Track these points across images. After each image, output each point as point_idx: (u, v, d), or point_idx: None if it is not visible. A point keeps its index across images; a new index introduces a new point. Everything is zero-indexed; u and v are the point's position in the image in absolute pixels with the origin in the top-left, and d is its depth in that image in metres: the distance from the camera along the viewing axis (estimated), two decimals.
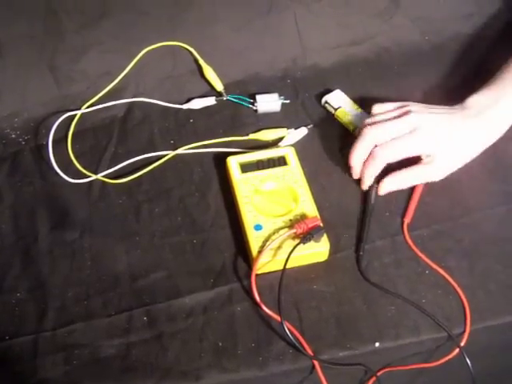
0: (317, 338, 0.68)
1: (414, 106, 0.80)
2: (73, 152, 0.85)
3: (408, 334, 0.69)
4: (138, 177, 0.83)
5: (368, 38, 0.99)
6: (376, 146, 0.78)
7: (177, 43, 0.94)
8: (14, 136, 0.89)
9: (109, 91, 0.92)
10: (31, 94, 0.91)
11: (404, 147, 0.77)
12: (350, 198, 0.81)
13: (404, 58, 0.98)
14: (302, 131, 0.87)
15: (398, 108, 0.81)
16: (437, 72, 0.96)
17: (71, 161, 0.84)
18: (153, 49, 0.94)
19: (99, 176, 0.82)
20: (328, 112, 0.90)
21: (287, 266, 0.70)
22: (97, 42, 0.93)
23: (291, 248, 0.71)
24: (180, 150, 0.86)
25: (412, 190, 0.81)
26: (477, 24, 1.01)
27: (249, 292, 0.71)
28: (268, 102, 0.90)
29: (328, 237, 0.73)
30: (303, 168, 0.80)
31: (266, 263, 0.72)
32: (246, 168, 0.80)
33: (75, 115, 0.89)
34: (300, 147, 0.84)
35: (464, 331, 0.69)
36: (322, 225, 0.73)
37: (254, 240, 0.72)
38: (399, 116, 0.79)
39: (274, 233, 0.73)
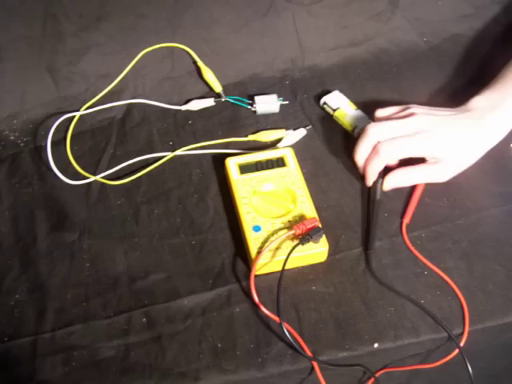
0: (316, 339, 0.68)
1: (416, 109, 0.80)
2: (72, 153, 0.86)
3: (407, 334, 0.69)
4: (137, 178, 0.83)
5: (366, 39, 1.00)
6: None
7: (175, 45, 0.95)
8: (12, 138, 0.89)
9: (107, 93, 0.92)
10: (30, 96, 0.91)
11: (407, 146, 0.78)
12: (349, 198, 0.81)
13: (402, 58, 0.98)
14: (301, 132, 0.88)
15: (401, 111, 0.81)
16: (435, 73, 0.96)
17: (70, 162, 0.84)
18: (151, 50, 0.94)
19: (98, 177, 0.82)
20: (327, 113, 0.90)
21: (286, 267, 0.70)
22: (95, 44, 0.93)
23: (290, 249, 0.71)
24: (179, 152, 0.86)
25: (411, 191, 0.81)
26: (474, 25, 1.01)
27: (248, 293, 0.71)
28: (267, 103, 0.90)
29: (327, 238, 0.73)
30: (302, 169, 0.80)
31: (265, 264, 0.72)
32: (244, 169, 0.80)
33: (74, 117, 0.89)
34: (299, 148, 0.84)
35: (463, 332, 0.69)
36: (320, 226, 0.73)
37: (253, 241, 0.72)
38: (402, 118, 0.79)
39: (272, 234, 0.73)
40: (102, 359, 0.67)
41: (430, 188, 0.81)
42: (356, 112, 0.88)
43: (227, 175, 0.80)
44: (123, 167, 0.84)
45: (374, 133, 0.79)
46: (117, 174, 0.84)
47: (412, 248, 0.75)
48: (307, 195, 0.77)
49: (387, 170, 0.80)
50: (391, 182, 0.79)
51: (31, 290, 0.73)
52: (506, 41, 0.98)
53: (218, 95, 0.93)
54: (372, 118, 0.87)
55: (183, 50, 0.95)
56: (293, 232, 0.72)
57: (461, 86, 0.94)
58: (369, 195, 0.80)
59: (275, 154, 0.82)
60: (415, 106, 0.82)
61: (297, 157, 0.81)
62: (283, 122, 0.90)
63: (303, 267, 0.74)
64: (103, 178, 0.83)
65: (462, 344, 0.68)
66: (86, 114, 0.90)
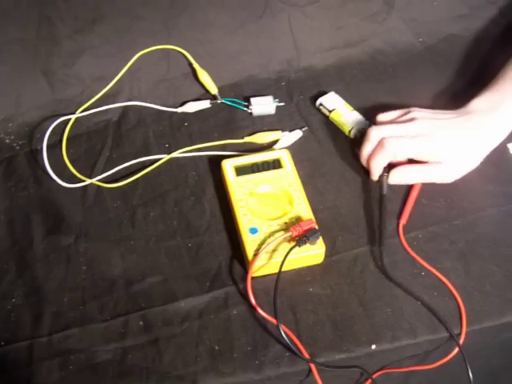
0: (313, 341, 0.68)
1: (417, 113, 0.80)
2: (67, 156, 0.85)
3: (404, 336, 0.69)
4: (133, 181, 0.83)
5: (362, 39, 1.00)
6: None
7: (171, 47, 0.95)
8: (8, 141, 0.88)
9: (103, 95, 0.92)
10: (25, 99, 0.91)
11: (408, 147, 0.78)
12: (346, 200, 0.80)
13: (398, 59, 0.98)
14: (297, 134, 0.87)
15: (402, 115, 0.81)
16: (431, 73, 0.96)
17: (66, 165, 0.84)
18: (147, 52, 0.94)
19: (94, 180, 0.82)
20: (323, 114, 0.90)
21: (283, 269, 0.70)
22: (91, 47, 0.93)
23: (287, 251, 0.71)
24: (175, 154, 0.85)
25: (407, 191, 0.81)
26: (470, 25, 1.01)
27: (245, 295, 0.71)
28: (263, 105, 0.90)
29: (323, 239, 0.73)
30: (298, 171, 0.80)
31: (262, 266, 0.71)
32: (240, 171, 0.80)
33: (70, 119, 0.89)
34: (295, 150, 0.84)
35: (460, 332, 0.69)
36: (317, 227, 0.73)
37: (250, 243, 0.72)
38: (404, 123, 0.79)
39: (269, 236, 0.73)
40: (99, 363, 0.67)
41: (426, 189, 0.81)
42: (352, 113, 0.88)
43: (223, 177, 0.80)
44: (119, 170, 0.84)
45: (375, 136, 0.79)
46: (113, 177, 0.84)
47: (409, 249, 0.75)
48: (303, 197, 0.77)
49: (391, 167, 0.80)
50: (396, 177, 0.80)
51: (28, 293, 0.73)
52: (503, 41, 0.99)
53: (213, 97, 0.93)
54: (368, 118, 0.87)
55: (179, 52, 0.95)
56: (289, 234, 0.72)
57: (457, 86, 0.94)
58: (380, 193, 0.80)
59: (271, 155, 0.81)
60: (416, 109, 0.82)
61: (293, 158, 0.81)
62: (279, 124, 0.89)
63: (300, 269, 0.74)
64: (99, 180, 0.82)
65: (458, 348, 0.68)
66: (82, 116, 0.90)
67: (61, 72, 0.92)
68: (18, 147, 0.88)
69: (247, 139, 0.87)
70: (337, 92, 0.91)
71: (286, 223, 0.74)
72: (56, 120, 0.88)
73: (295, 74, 0.96)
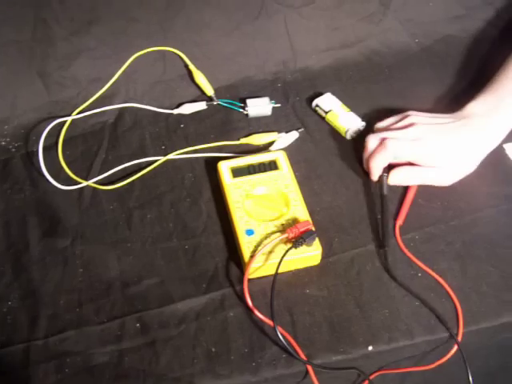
0: (310, 343, 0.68)
1: (415, 117, 0.81)
2: (63, 158, 0.85)
3: (401, 337, 0.69)
4: (130, 183, 0.83)
5: (358, 40, 1.00)
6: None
7: (166, 48, 0.94)
8: (4, 143, 0.88)
9: (99, 97, 0.92)
10: (21, 101, 0.91)
11: (410, 148, 0.78)
12: (342, 201, 0.80)
13: (394, 60, 0.98)
14: (293, 135, 0.87)
15: (399, 120, 0.81)
16: (427, 74, 0.96)
17: (62, 167, 0.84)
18: (143, 54, 0.94)
19: (90, 182, 0.82)
20: (319, 115, 0.90)
21: (280, 271, 0.70)
22: (86, 49, 0.93)
23: (283, 252, 0.70)
24: (171, 156, 0.85)
25: (404, 192, 0.81)
26: (466, 26, 1.02)
27: (241, 297, 0.71)
28: (259, 106, 0.90)
29: (320, 240, 0.73)
30: (294, 172, 0.80)
31: (259, 268, 0.71)
32: (237, 173, 0.80)
33: (66, 121, 0.89)
34: (291, 151, 0.83)
35: (457, 333, 0.69)
36: (313, 229, 0.73)
37: (246, 245, 0.72)
38: (402, 128, 0.79)
39: (265, 237, 0.73)
40: (96, 365, 0.67)
41: (423, 189, 0.81)
42: (348, 114, 0.88)
43: (220, 179, 0.80)
44: (115, 172, 0.84)
45: (373, 144, 0.80)
46: (109, 179, 0.83)
47: (405, 250, 0.74)
48: (300, 198, 0.77)
49: (390, 168, 0.80)
50: (395, 178, 0.80)
51: (24, 296, 0.72)
52: (500, 43, 0.99)
53: (209, 98, 0.93)
54: (364, 119, 0.87)
55: (175, 53, 0.95)
56: (286, 235, 0.72)
57: (453, 87, 0.94)
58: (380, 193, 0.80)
59: (268, 157, 0.81)
60: (414, 113, 0.82)
61: (289, 160, 0.81)
62: (275, 125, 0.89)
63: (297, 270, 0.74)
64: (95, 182, 0.82)
65: (456, 345, 0.68)
66: (78, 118, 0.90)
67: (57, 74, 0.92)
68: (13, 149, 0.88)
69: (243, 141, 0.87)
70: (333, 93, 0.91)
71: (282, 225, 0.74)
72: (52, 122, 0.87)
73: (291, 75, 0.96)
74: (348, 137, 0.87)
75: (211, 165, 0.83)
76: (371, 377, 0.71)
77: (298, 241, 0.71)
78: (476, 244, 0.76)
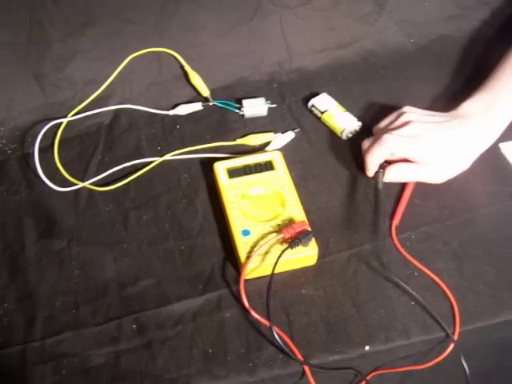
0: (307, 343, 0.68)
1: (410, 114, 0.81)
2: (59, 160, 0.85)
3: (398, 336, 0.69)
4: (126, 184, 0.83)
5: (354, 41, 1.00)
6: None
7: (162, 49, 0.94)
8: None
9: (95, 98, 0.92)
10: (17, 103, 0.91)
11: (407, 145, 0.78)
12: (338, 201, 0.80)
13: (390, 60, 0.99)
14: (289, 135, 0.87)
15: (395, 119, 0.81)
16: (422, 74, 0.96)
17: (58, 169, 0.84)
18: (138, 55, 0.94)
19: (86, 184, 0.82)
20: (315, 115, 0.90)
21: (276, 271, 0.70)
22: (82, 50, 0.93)
23: (279, 253, 0.70)
24: (167, 157, 0.85)
25: (400, 192, 0.81)
26: (462, 26, 1.02)
27: (238, 298, 0.71)
28: (255, 107, 0.90)
29: (316, 241, 0.73)
30: (290, 172, 0.80)
31: (255, 268, 0.71)
32: (233, 173, 0.80)
33: (61, 123, 0.89)
34: (287, 151, 0.83)
35: (454, 332, 0.69)
36: (309, 229, 0.73)
37: (242, 245, 0.72)
38: (398, 128, 0.79)
39: (262, 238, 0.73)
40: (93, 367, 0.67)
41: (419, 189, 0.81)
42: (344, 114, 0.88)
43: (216, 180, 0.80)
44: (111, 173, 0.84)
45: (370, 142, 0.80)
46: (105, 180, 0.83)
47: (401, 249, 0.74)
48: (296, 198, 0.77)
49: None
50: (391, 175, 0.79)
51: (20, 298, 0.72)
52: (495, 42, 0.99)
53: (205, 99, 0.93)
54: (360, 119, 0.87)
55: (170, 54, 0.95)
56: (282, 236, 0.72)
57: (449, 86, 0.94)
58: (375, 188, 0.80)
59: (264, 157, 0.81)
60: (409, 109, 0.82)
61: (285, 160, 0.81)
62: (271, 126, 0.89)
63: (293, 271, 0.74)
64: (91, 184, 0.82)
65: (453, 344, 0.68)
66: (74, 120, 0.90)
67: (52, 76, 0.92)
68: (9, 151, 0.88)
69: (239, 141, 0.87)
70: (329, 93, 0.91)
71: (278, 225, 0.74)
72: (48, 124, 0.87)
73: (287, 76, 0.97)
74: (344, 137, 0.87)
75: (207, 165, 0.83)
76: (368, 377, 0.71)
77: (294, 241, 0.71)
78: (472, 243, 0.76)
